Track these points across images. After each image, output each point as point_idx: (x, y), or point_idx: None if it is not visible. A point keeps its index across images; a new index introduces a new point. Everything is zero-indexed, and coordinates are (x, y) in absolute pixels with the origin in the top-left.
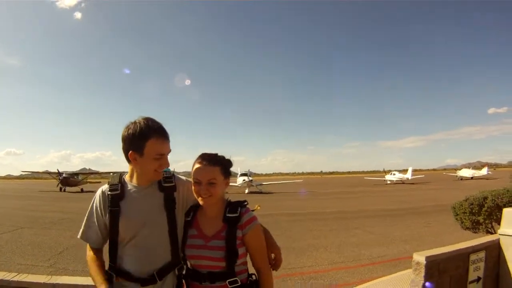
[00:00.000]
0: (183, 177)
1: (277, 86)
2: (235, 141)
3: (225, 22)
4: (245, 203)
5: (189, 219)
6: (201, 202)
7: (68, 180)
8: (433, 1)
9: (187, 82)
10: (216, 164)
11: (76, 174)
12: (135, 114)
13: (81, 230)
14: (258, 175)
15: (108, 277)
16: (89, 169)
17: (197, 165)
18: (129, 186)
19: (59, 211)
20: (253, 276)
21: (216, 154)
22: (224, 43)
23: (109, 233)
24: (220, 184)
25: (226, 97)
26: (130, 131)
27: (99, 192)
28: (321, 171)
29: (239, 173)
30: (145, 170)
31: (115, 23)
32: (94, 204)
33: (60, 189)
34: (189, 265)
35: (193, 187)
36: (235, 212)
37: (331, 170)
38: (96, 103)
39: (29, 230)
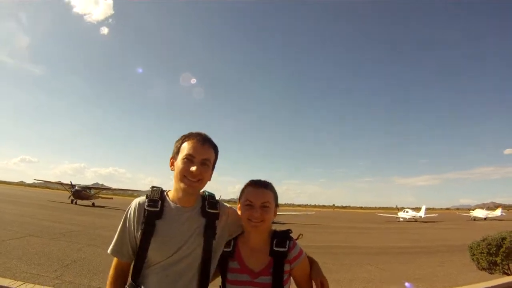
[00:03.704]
0: (228, 205)
1: (291, 116)
2: (244, 167)
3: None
4: (291, 232)
5: (229, 249)
6: (249, 228)
7: (81, 193)
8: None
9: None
10: (270, 189)
11: (88, 188)
12: (149, 131)
13: (112, 245)
14: None
15: None
16: (102, 184)
17: (250, 188)
18: (170, 205)
19: (69, 223)
20: None
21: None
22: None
23: (138, 249)
24: (272, 209)
25: (241, 130)
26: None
27: (134, 203)
28: (334, 205)
29: None
30: (176, 176)
31: (141, 37)
32: (128, 217)
33: (72, 201)
34: None
35: (241, 213)
36: (283, 246)
37: (344, 204)
38: (115, 120)
39: (37, 238)
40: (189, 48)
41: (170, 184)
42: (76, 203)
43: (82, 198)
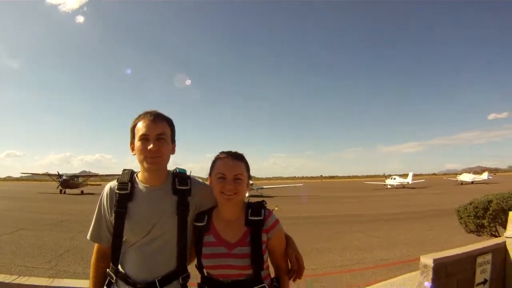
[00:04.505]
0: (200, 180)
1: (278, 88)
2: (234, 143)
3: (225, 20)
4: (265, 203)
5: (203, 223)
6: (223, 201)
7: (68, 182)
8: (434, 1)
9: (188, 82)
10: (242, 160)
11: (76, 176)
12: (132, 113)
13: (90, 231)
14: (258, 179)
15: (108, 278)
16: (89, 171)
17: (222, 160)
18: (140, 186)
19: (59, 213)
20: (275, 280)
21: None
22: (227, 42)
23: (113, 233)
24: (245, 181)
25: (226, 97)
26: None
27: (106, 189)
28: (321, 176)
29: None
30: (138, 159)
31: (117, 25)
32: (102, 202)
33: (60, 191)
34: (205, 274)
35: (213, 186)
36: (258, 215)
37: (332, 175)
38: (97, 106)
39: (29, 231)
40: (162, 30)
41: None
42: (64, 192)
43: (71, 187)
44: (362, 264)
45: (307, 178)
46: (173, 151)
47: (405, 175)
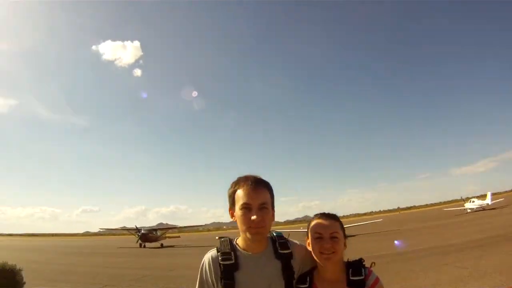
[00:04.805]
0: (297, 242)
1: (336, 123)
2: (304, 183)
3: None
4: (363, 261)
5: (306, 285)
6: (322, 262)
7: (147, 236)
8: None
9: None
10: (336, 220)
11: (154, 229)
12: (204, 166)
13: None
14: None
15: None
16: (166, 223)
17: (317, 220)
18: (243, 254)
19: (140, 267)
20: None
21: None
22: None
23: None
24: (342, 240)
25: (289, 135)
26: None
27: (207, 259)
28: (398, 207)
29: None
30: (240, 227)
31: (172, 72)
32: (203, 274)
33: (140, 245)
34: None
35: (312, 247)
36: (359, 275)
37: (408, 205)
38: (168, 159)
39: None
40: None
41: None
42: (144, 246)
43: (150, 241)
44: None
45: (385, 211)
46: (273, 218)
47: (483, 196)
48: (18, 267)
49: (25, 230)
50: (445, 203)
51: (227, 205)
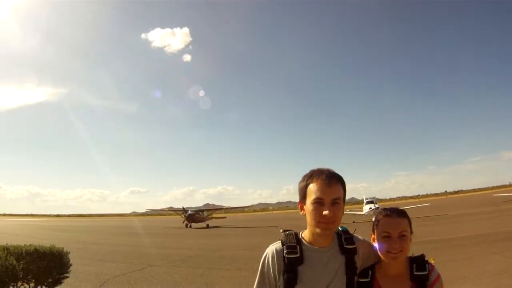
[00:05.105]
0: (360, 237)
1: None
2: (351, 165)
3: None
4: (425, 257)
5: (368, 279)
6: (389, 260)
7: (194, 217)
8: None
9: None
10: (405, 216)
11: (201, 210)
12: (254, 147)
13: None
14: (382, 200)
15: None
16: (213, 204)
17: (386, 218)
18: (308, 248)
19: (186, 248)
20: None
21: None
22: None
23: None
24: (409, 238)
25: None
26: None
27: (271, 253)
28: (446, 191)
29: (365, 201)
30: (309, 221)
31: (221, 56)
32: (266, 266)
33: (186, 225)
34: None
35: (379, 245)
36: (423, 270)
37: (456, 189)
38: (220, 140)
39: (158, 268)
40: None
41: (280, 194)
42: (190, 226)
43: (196, 221)
44: None
45: (431, 195)
46: (343, 212)
47: None
48: (65, 250)
49: (74, 211)
50: (494, 188)
51: (272, 186)
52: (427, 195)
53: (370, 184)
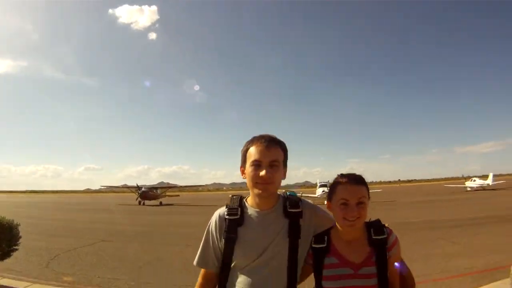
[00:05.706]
0: (311, 202)
1: (347, 92)
2: (307, 150)
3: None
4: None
5: (324, 245)
6: (345, 227)
7: (147, 194)
8: None
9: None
10: (363, 183)
11: (155, 188)
12: (215, 128)
13: (197, 256)
14: None
15: None
16: (167, 183)
17: (343, 185)
18: (250, 211)
19: (138, 224)
20: None
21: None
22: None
23: (222, 258)
24: (368, 204)
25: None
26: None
27: (215, 217)
28: (399, 180)
29: (319, 184)
30: (248, 183)
31: (187, 36)
32: (210, 228)
33: (139, 202)
34: None
35: (334, 212)
36: (382, 234)
37: (409, 178)
38: (175, 121)
39: (109, 243)
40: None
41: (235, 174)
42: (143, 204)
43: (149, 199)
44: (446, 273)
45: (385, 183)
46: (284, 176)
47: (485, 177)
48: (15, 222)
49: (28, 187)
50: (446, 179)
51: (227, 167)
52: (380, 182)
53: (325, 169)
